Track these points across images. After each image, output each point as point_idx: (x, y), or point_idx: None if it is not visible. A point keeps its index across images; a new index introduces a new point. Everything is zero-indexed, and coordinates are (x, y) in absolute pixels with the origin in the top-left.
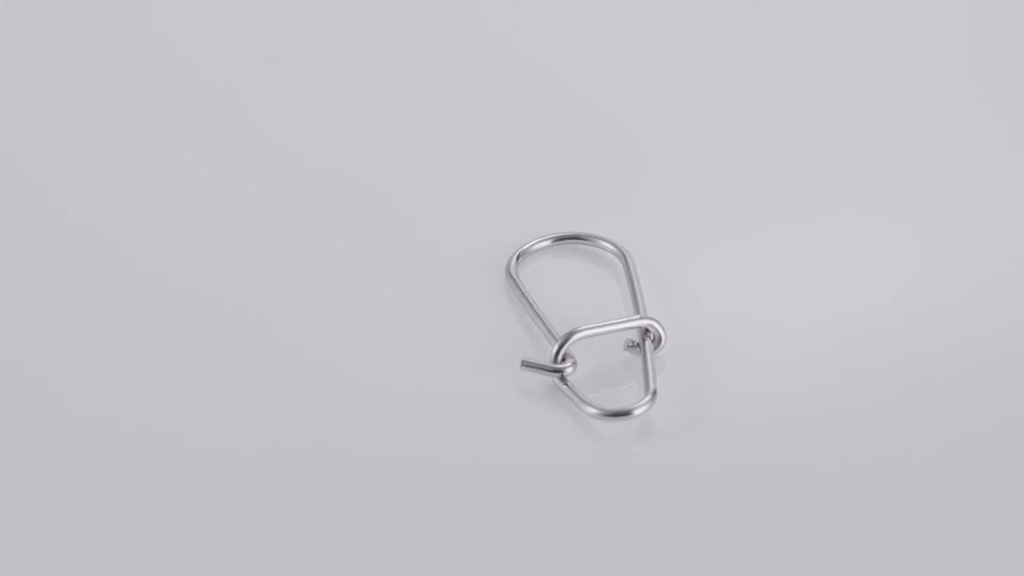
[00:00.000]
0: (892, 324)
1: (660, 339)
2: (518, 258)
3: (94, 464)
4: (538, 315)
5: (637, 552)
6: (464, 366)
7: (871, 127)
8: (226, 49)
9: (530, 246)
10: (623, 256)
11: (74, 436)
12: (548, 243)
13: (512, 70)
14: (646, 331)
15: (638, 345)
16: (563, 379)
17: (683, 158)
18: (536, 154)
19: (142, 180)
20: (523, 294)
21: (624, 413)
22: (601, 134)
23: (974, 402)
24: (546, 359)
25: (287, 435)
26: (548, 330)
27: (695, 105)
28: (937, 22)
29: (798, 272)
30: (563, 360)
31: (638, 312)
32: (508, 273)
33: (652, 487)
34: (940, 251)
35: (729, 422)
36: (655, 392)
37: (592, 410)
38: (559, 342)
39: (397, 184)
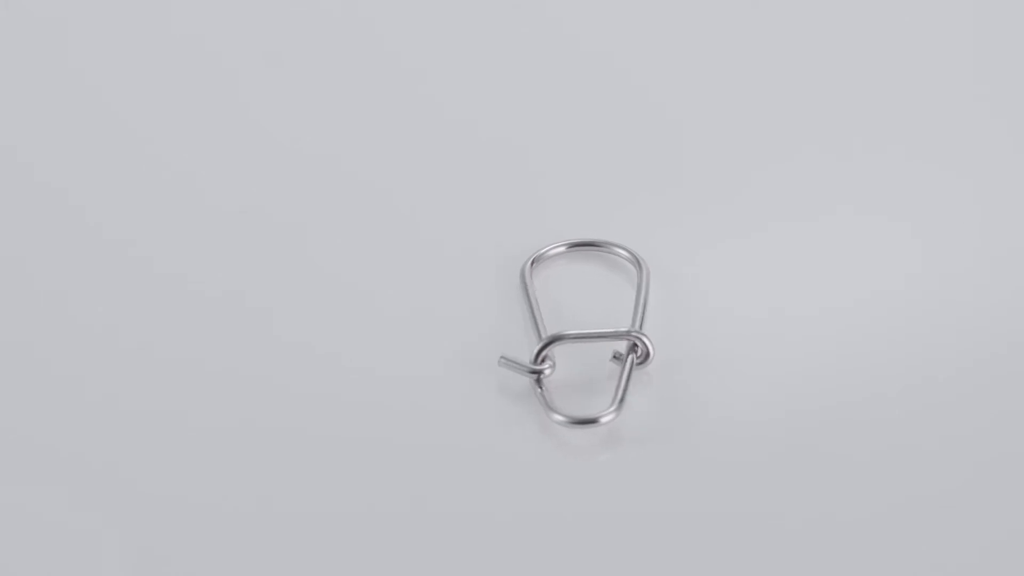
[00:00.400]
0: (896, 327)
1: (647, 354)
2: (533, 263)
3: (96, 459)
4: (533, 317)
5: (580, 555)
6: (455, 363)
7: (873, 128)
8: (239, 45)
9: (546, 251)
10: (638, 264)
11: (75, 431)
12: (563, 249)
13: (537, 75)
14: (634, 345)
15: (620, 357)
16: (539, 381)
17: (704, 164)
18: (560, 159)
19: (143, 179)
20: (528, 296)
21: (590, 421)
22: (624, 139)
23: (974, 402)
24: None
25: (284, 427)
26: (540, 333)
27: (715, 112)
28: (937, 22)
29: (814, 280)
30: (542, 362)
31: (635, 324)
32: (522, 276)
33: (612, 495)
34: (941, 251)
35: (703, 434)
36: (621, 402)
37: (559, 417)
38: (540, 344)
39: (421, 188)
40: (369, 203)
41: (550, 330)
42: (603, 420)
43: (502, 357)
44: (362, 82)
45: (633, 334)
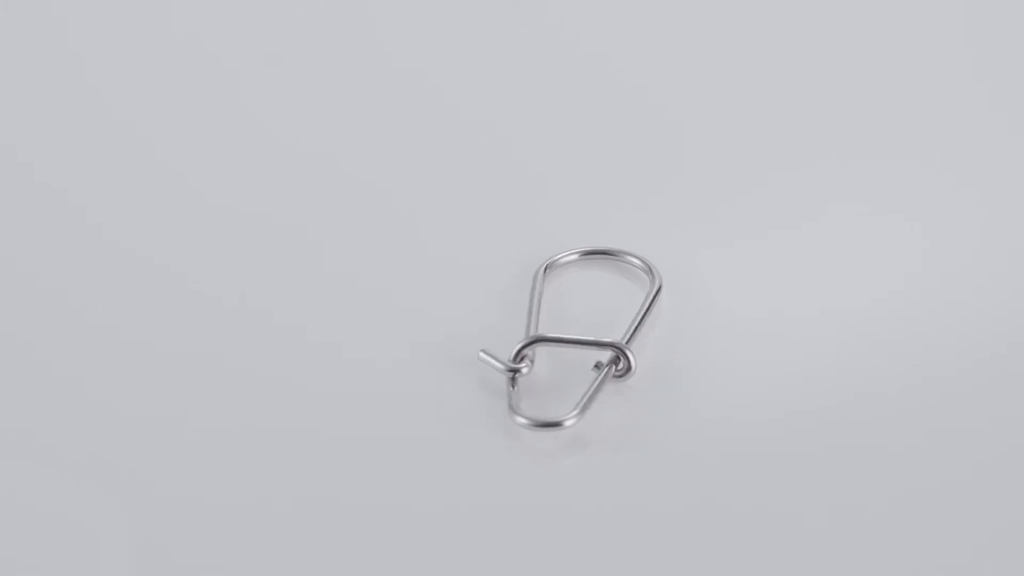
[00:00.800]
0: (897, 327)
1: (629, 368)
2: (546, 269)
3: (96, 456)
4: (529, 319)
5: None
6: (446, 359)
7: (873, 130)
8: (239, 45)
9: (559, 258)
10: (651, 273)
11: (74, 430)
12: (576, 256)
13: (543, 78)
14: (617, 357)
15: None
16: (513, 379)
17: (714, 168)
18: (572, 165)
19: (143, 179)
20: (532, 299)
21: (553, 424)
22: (634, 144)
23: (973, 402)
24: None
25: (276, 419)
26: (529, 333)
27: (723, 117)
28: (935, 24)
29: (817, 282)
30: (520, 361)
31: (625, 336)
32: (533, 280)
33: (569, 496)
34: (941, 252)
35: (677, 439)
36: (584, 408)
37: (521, 419)
38: (521, 343)
39: (432, 193)
40: (377, 207)
41: (542, 332)
42: (566, 424)
43: (482, 351)
44: (368, 85)
45: (616, 345)
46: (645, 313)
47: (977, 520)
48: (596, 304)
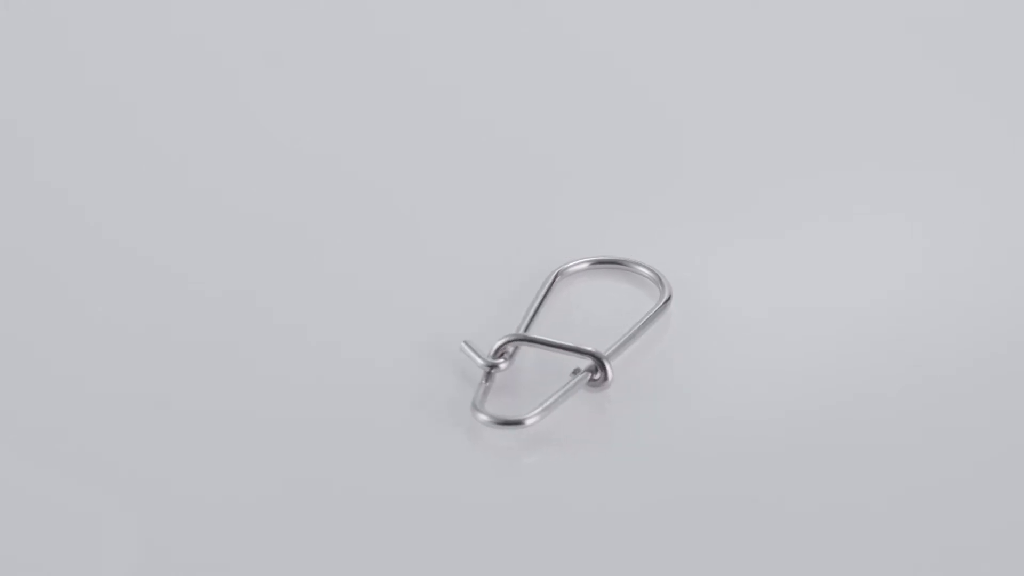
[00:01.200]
0: (897, 327)
1: (606, 377)
2: (557, 276)
3: (94, 452)
4: (524, 320)
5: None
6: (446, 356)
7: (873, 131)
8: (239, 45)
9: (570, 266)
10: (660, 283)
11: (73, 429)
12: (586, 265)
13: (552, 82)
14: (595, 366)
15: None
16: (489, 375)
17: (723, 174)
18: (590, 171)
19: (144, 179)
20: (534, 303)
21: (514, 423)
22: (641, 150)
23: (973, 402)
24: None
25: (273, 412)
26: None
27: (729, 124)
28: (937, 27)
29: (818, 284)
30: (499, 357)
31: (613, 345)
32: (541, 285)
33: (532, 495)
34: (941, 252)
35: (639, 459)
36: (547, 408)
37: (483, 416)
38: (501, 340)
39: (451, 197)
40: (379, 210)
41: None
42: (527, 423)
43: (464, 342)
44: (370, 88)
45: (595, 354)
46: (643, 324)
47: (977, 520)
48: (602, 312)
